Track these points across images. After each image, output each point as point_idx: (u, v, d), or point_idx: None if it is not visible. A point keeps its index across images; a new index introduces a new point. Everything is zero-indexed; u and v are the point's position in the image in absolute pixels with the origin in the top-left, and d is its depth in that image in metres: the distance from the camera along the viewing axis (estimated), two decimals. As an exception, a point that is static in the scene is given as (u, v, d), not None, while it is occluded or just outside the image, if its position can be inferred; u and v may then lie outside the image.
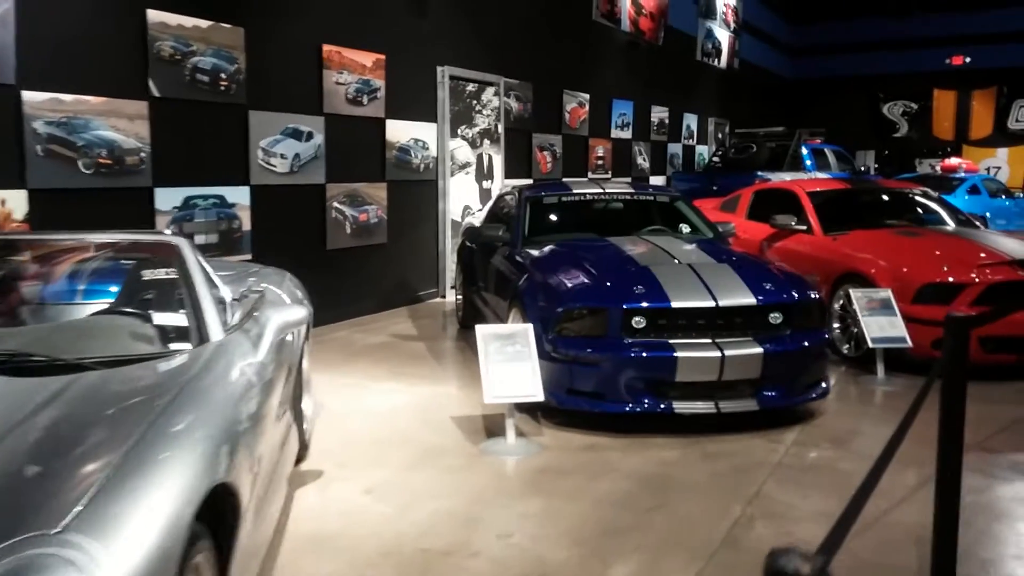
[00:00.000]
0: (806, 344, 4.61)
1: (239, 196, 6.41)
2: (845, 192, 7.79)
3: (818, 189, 7.66)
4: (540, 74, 10.99)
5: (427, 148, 8.78)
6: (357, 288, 7.83)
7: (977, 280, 5.72)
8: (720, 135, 18.45)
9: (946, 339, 2.59)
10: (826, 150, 15.67)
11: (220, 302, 3.00)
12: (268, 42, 6.66)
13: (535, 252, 5.41)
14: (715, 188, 13.13)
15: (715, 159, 16.08)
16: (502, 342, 4.32)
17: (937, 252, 6.18)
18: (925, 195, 7.81)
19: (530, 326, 4.34)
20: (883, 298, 5.80)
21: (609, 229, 5.98)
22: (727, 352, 4.35)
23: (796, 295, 4.66)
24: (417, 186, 8.72)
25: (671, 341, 4.41)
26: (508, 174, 10.23)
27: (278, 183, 6.84)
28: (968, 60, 22.01)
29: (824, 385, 4.83)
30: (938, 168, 14.84)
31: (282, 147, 6.81)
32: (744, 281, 4.64)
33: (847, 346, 6.29)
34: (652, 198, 6.44)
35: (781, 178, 13.63)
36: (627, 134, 13.81)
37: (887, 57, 22.81)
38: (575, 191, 6.26)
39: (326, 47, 7.24)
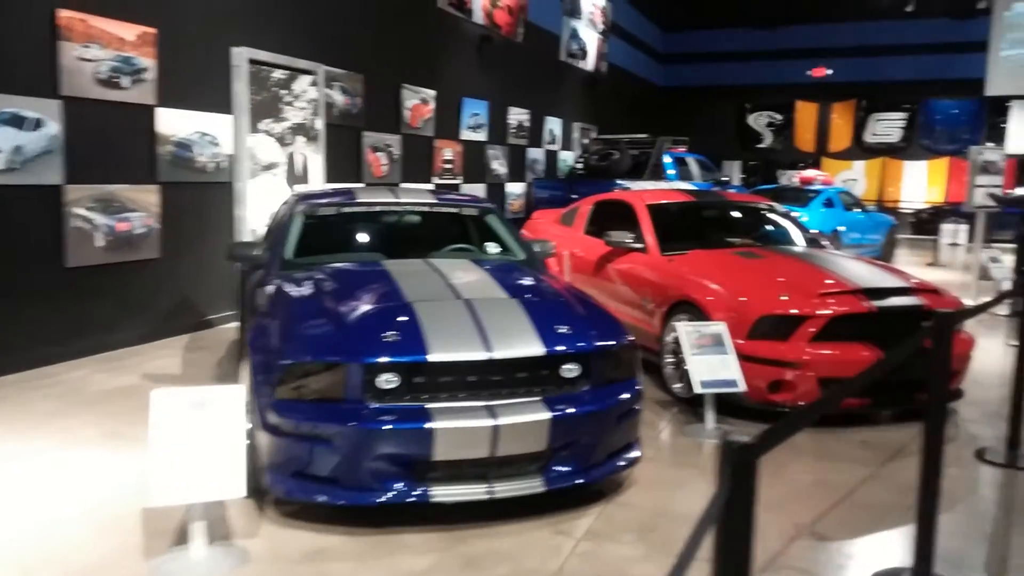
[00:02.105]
0: (610, 402, 3.65)
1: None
2: (688, 206, 7.01)
3: (660, 202, 6.84)
4: (373, 65, 9.82)
5: (217, 144, 7.44)
6: (113, 314, 6.42)
7: (818, 312, 4.97)
8: (586, 141, 17.77)
9: (723, 473, 1.62)
10: (689, 159, 15.22)
11: None
12: (-29, 3, 5.22)
13: (284, 281, 4.24)
14: (575, 196, 12.36)
15: (577, 166, 15.34)
16: (197, 411, 3.13)
17: (778, 278, 5.41)
18: (772, 210, 7.13)
19: (231, 389, 3.17)
20: (715, 333, 4.96)
21: (400, 248, 4.89)
22: (502, 419, 3.32)
23: (597, 341, 3.69)
24: (204, 189, 7.37)
25: (429, 406, 3.35)
26: (332, 177, 9.00)
27: (-12, 183, 5.39)
28: (830, 72, 22.33)
29: (634, 451, 3.89)
30: (796, 180, 14.62)
31: (-6, 137, 5.37)
32: (533, 323, 3.64)
33: (679, 385, 5.46)
34: (457, 211, 5.38)
35: (642, 187, 13.05)
36: (481, 136, 12.81)
37: (754, 68, 22.89)
38: (361, 200, 5.12)
39: (63, 13, 5.82)
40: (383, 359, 3.33)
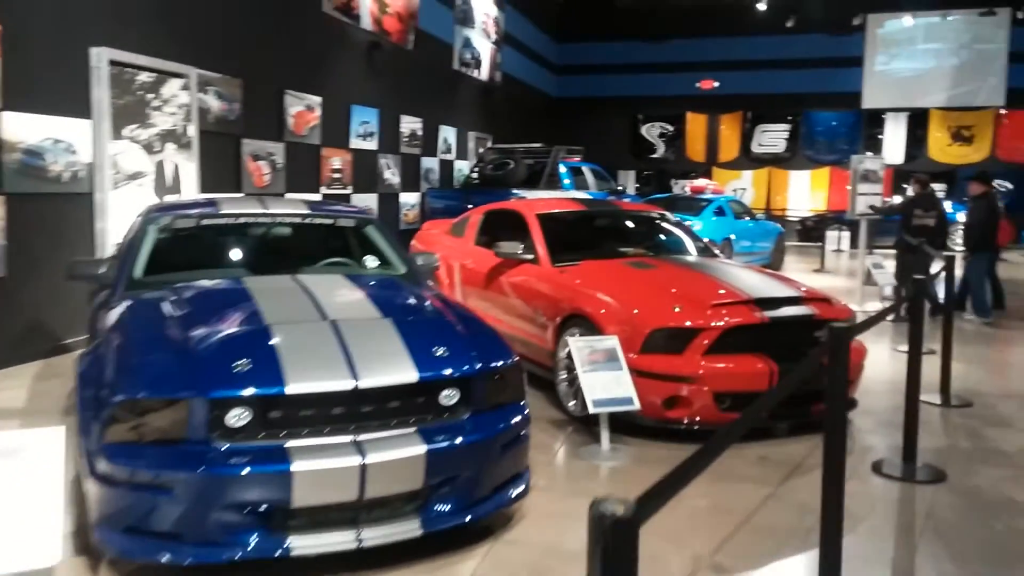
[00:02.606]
0: (495, 430, 3.34)
1: None
2: (580, 215, 6.81)
3: (550, 211, 6.62)
4: (253, 69, 9.25)
5: (74, 151, 6.77)
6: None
7: (711, 324, 4.82)
8: (481, 151, 17.52)
9: (593, 551, 1.33)
10: (584, 168, 15.19)
11: None
12: None
13: (128, 304, 3.74)
14: (470, 206, 12.08)
15: (472, 175, 15.07)
16: (5, 460, 2.63)
17: (671, 289, 5.25)
18: (664, 219, 7.02)
19: (48, 432, 2.68)
20: (608, 348, 4.73)
21: (268, 264, 4.46)
22: (372, 456, 2.96)
23: (479, 362, 3.37)
24: (59, 200, 6.68)
25: (287, 445, 2.95)
26: (207, 187, 8.38)
27: None
28: (717, 85, 22.91)
29: (523, 482, 3.59)
30: (687, 189, 14.82)
31: None
32: (407, 345, 3.29)
33: (573, 403, 5.21)
34: (332, 221, 4.96)
35: (538, 196, 12.89)
36: (372, 145, 12.35)
37: (645, 80, 23.25)
38: (224, 211, 4.65)
39: None
40: (233, 392, 2.91)
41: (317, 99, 10.67)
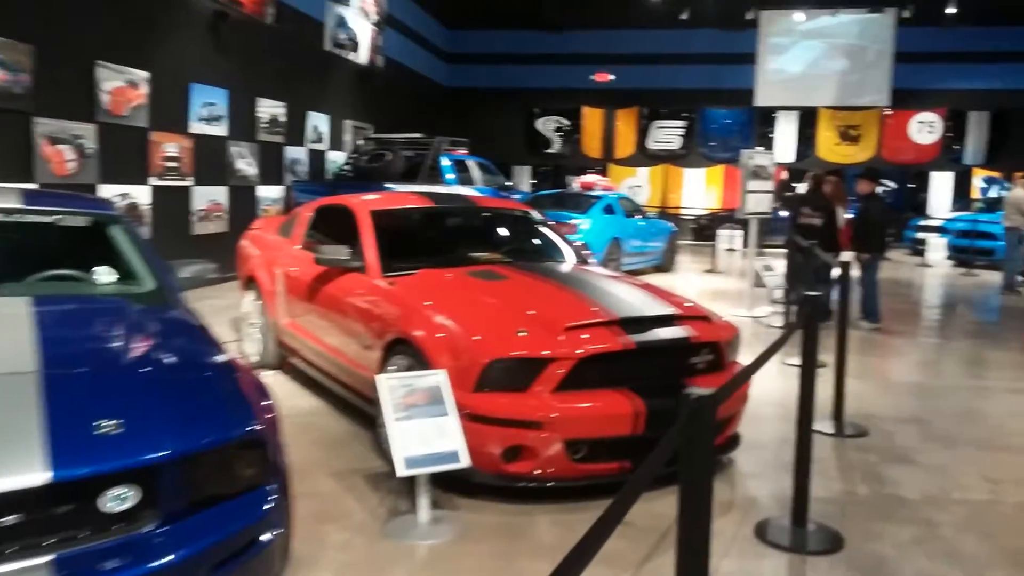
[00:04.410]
0: (201, 545, 2.19)
1: None
2: (425, 213, 5.70)
3: (388, 207, 5.49)
4: (50, 34, 7.73)
5: None
6: None
7: (563, 353, 3.80)
8: (361, 141, 16.20)
9: None
10: (469, 162, 14.14)
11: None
12: None
13: None
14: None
15: (345, 167, 13.77)
16: None
17: (519, 307, 4.21)
18: (528, 218, 5.99)
19: None
20: (430, 387, 3.65)
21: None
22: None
23: (179, 440, 2.23)
24: None
25: None
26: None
27: None
28: (612, 78, 22.24)
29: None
30: (576, 185, 13.95)
31: None
32: (46, 420, 2.12)
33: (396, 453, 4.10)
34: (52, 220, 3.67)
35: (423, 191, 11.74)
36: (219, 130, 10.89)
37: (541, 71, 22.37)
38: None
39: None
40: None
41: (143, 74, 9.17)
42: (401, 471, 3.44)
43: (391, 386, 3.60)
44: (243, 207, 11.33)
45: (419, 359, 4.03)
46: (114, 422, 2.16)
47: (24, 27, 7.39)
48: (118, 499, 2.11)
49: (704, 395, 1.79)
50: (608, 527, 1.54)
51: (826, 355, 6.22)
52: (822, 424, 5.05)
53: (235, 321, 7.13)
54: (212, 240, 10.43)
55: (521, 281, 4.64)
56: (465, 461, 3.55)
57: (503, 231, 5.89)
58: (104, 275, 3.53)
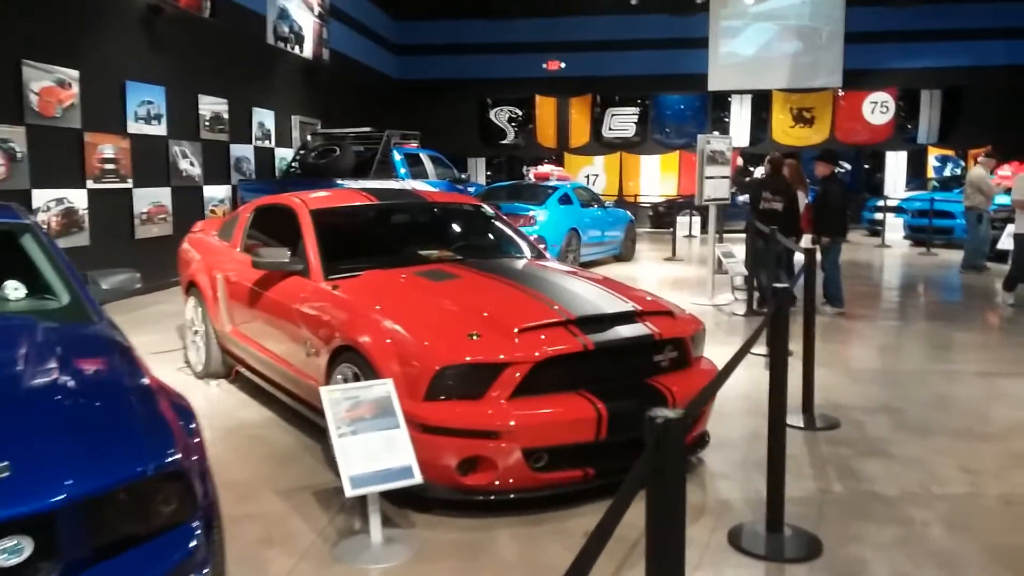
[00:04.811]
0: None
1: None
2: (370, 210, 5.41)
3: (330, 206, 5.18)
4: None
5: None
6: None
7: (517, 357, 3.56)
8: (308, 137, 15.76)
9: None
10: (422, 155, 13.82)
11: None
12: None
13: None
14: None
15: (293, 165, 13.35)
16: None
17: (471, 308, 3.95)
18: (480, 212, 5.73)
19: None
20: (378, 398, 3.39)
21: None
22: None
23: (80, 480, 1.94)
24: None
25: None
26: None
27: None
28: (563, 66, 22.02)
29: None
30: (531, 176, 13.70)
31: None
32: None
33: (345, 469, 3.83)
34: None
35: (362, 187, 11.40)
36: (158, 129, 10.42)
37: (492, 61, 22.05)
38: None
39: None
40: None
41: (74, 73, 8.70)
42: (349, 491, 3.18)
43: (334, 399, 3.32)
44: (188, 208, 10.89)
45: (366, 367, 3.76)
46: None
47: (-65, 24, 6.92)
48: (7, 552, 1.82)
49: (671, 417, 1.56)
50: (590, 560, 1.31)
51: (791, 343, 6.10)
52: (792, 417, 4.87)
53: (181, 328, 6.77)
54: (157, 243, 9.99)
55: (473, 280, 4.38)
56: (418, 477, 3.30)
57: (454, 227, 5.63)
58: (11, 290, 3.19)
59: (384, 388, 3.43)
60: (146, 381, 2.55)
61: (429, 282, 4.30)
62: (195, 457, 2.36)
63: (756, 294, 8.75)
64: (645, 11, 20.50)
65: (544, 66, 22.08)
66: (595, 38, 21.44)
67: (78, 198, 8.86)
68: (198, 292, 5.89)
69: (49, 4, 8.40)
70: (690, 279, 11.60)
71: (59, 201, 8.56)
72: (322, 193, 5.53)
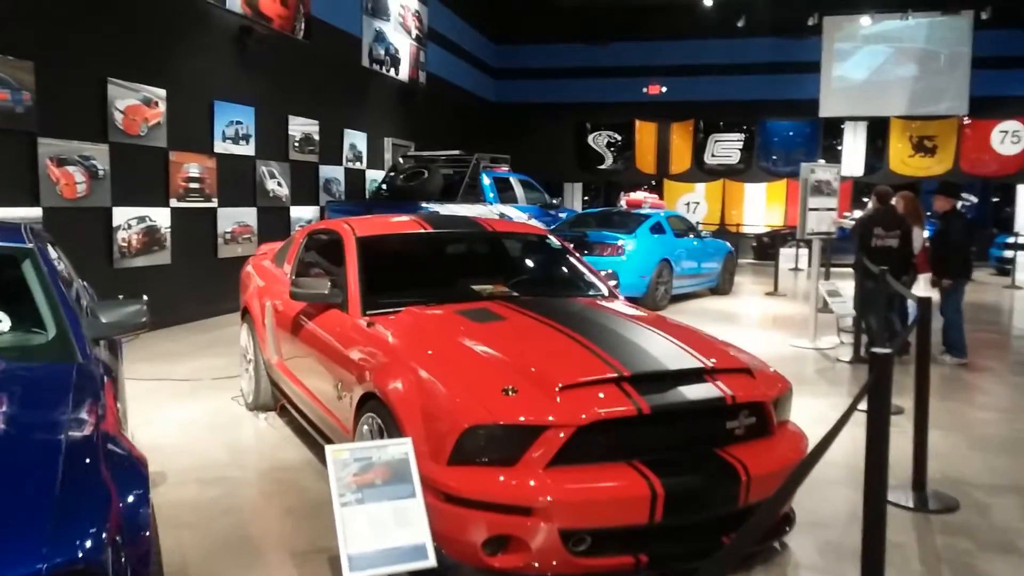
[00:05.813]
0: None
1: None
2: (422, 238, 4.97)
3: (379, 233, 4.79)
4: (55, 50, 7.35)
5: None
6: None
7: (557, 420, 3.01)
8: (399, 159, 15.71)
9: None
10: (512, 179, 13.47)
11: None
12: None
13: None
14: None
15: (383, 186, 13.24)
16: None
17: (513, 357, 3.43)
18: (546, 243, 5.22)
19: None
20: (393, 461, 2.92)
21: None
22: None
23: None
24: None
25: None
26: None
27: None
28: (664, 90, 21.34)
29: None
30: (623, 203, 13.07)
31: None
32: None
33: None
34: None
35: (455, 211, 11.12)
36: (246, 149, 10.45)
37: (591, 85, 21.62)
38: None
39: None
40: None
41: (160, 91, 8.76)
42: (347, 574, 2.71)
43: (340, 460, 2.87)
44: (274, 228, 10.85)
45: (389, 420, 3.31)
46: None
47: (24, 44, 7.00)
48: None
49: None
50: None
51: (902, 398, 5.29)
52: (899, 494, 4.14)
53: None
54: (240, 263, 9.94)
55: (520, 323, 3.86)
56: (432, 559, 2.80)
57: (514, 259, 5.14)
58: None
59: (402, 449, 2.96)
60: (91, 439, 2.16)
61: (471, 323, 3.82)
62: (130, 540, 1.94)
63: (864, 338, 7.86)
64: (751, 34, 19.63)
65: (644, 90, 21.47)
66: (698, 62, 20.70)
67: (161, 216, 8.89)
68: (251, 319, 5.62)
69: (136, 24, 8.50)
70: (792, 317, 10.72)
71: (141, 219, 8.59)
72: (375, 220, 5.15)
